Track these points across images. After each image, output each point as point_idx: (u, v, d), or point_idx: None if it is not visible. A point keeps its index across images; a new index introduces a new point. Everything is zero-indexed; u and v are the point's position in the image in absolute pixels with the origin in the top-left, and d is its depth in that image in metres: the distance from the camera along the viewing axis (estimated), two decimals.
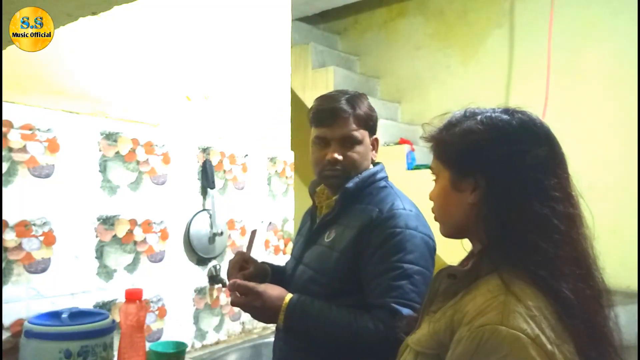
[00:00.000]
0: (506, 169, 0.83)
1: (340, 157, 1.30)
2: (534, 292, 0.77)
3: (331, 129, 1.30)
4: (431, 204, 0.96)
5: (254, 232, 1.40)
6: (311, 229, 1.40)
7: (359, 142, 1.31)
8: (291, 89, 2.44)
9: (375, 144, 1.37)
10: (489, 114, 0.89)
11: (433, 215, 0.96)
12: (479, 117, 0.88)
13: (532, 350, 0.70)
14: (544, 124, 0.88)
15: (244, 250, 1.41)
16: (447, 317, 0.81)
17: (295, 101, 2.87)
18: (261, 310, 1.20)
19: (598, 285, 0.82)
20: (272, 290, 1.22)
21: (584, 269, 0.81)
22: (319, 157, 1.33)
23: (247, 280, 1.24)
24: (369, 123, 1.34)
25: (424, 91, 3.96)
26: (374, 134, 1.37)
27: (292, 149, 2.35)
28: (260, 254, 2.14)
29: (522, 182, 0.82)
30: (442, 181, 0.91)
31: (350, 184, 1.29)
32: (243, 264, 1.38)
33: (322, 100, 1.36)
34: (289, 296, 1.21)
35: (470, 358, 0.72)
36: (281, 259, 2.22)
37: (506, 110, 0.89)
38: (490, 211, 0.83)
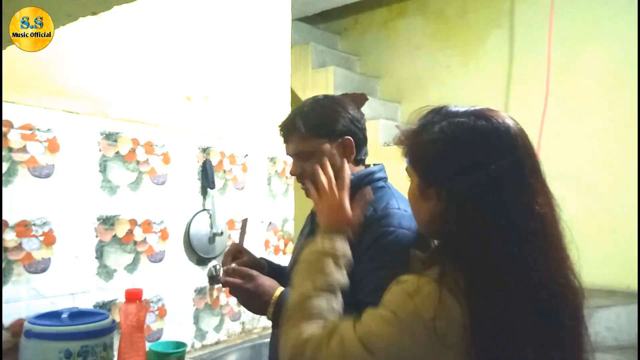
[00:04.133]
0: (464, 182, 0.82)
1: (297, 172, 1.33)
2: (458, 302, 0.78)
3: (286, 146, 1.36)
4: None
5: (244, 222, 1.41)
6: (312, 229, 1.40)
7: (311, 154, 1.30)
8: (291, 89, 2.44)
9: (347, 145, 1.32)
10: (454, 121, 0.87)
11: None
12: (444, 124, 0.88)
13: (416, 326, 0.77)
14: (510, 132, 0.84)
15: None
16: None
17: (295, 101, 2.86)
18: (252, 295, 1.20)
19: (544, 310, 0.79)
20: (266, 279, 1.22)
21: (529, 288, 0.78)
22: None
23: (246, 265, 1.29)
24: (324, 131, 1.31)
25: (424, 91, 3.96)
26: (343, 136, 1.32)
27: None
28: (259, 253, 2.14)
29: (478, 196, 0.81)
30: (412, 185, 0.94)
31: None
32: (236, 254, 1.39)
33: (284, 119, 1.39)
34: (280, 289, 1.21)
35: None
36: (281, 259, 2.22)
37: (475, 115, 0.87)
38: (446, 222, 0.84)
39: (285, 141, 1.36)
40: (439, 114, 0.91)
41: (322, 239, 1.04)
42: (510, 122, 0.86)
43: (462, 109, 0.90)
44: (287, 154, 1.38)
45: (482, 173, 0.82)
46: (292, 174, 1.36)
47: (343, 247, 1.03)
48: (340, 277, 0.99)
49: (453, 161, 0.85)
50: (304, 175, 1.33)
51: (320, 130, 1.31)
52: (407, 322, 0.79)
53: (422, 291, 0.79)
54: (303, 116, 1.31)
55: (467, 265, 0.80)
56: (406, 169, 0.96)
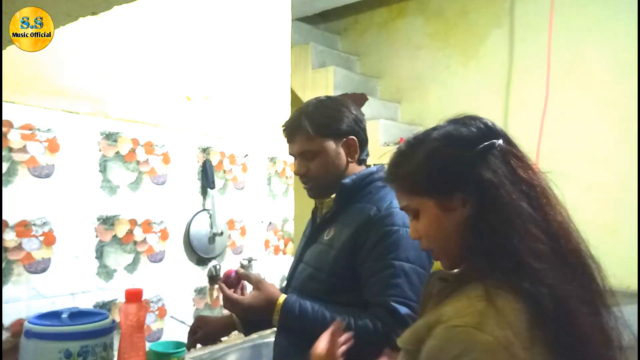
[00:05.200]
0: (483, 169, 0.83)
1: (302, 172, 1.35)
2: (515, 304, 0.76)
3: (291, 146, 1.37)
4: None
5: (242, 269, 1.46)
6: (313, 229, 1.41)
7: (317, 153, 1.32)
8: (291, 89, 2.44)
9: (351, 145, 1.34)
10: (437, 131, 0.89)
11: (427, 250, 0.94)
12: (431, 137, 0.89)
13: (503, 355, 0.71)
14: (481, 119, 0.89)
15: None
16: (428, 316, 0.82)
17: (295, 101, 2.87)
18: (253, 312, 1.25)
19: (592, 287, 0.81)
20: (259, 296, 1.25)
21: (575, 271, 0.80)
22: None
23: (202, 339, 1.46)
24: (330, 131, 1.32)
25: (424, 91, 3.96)
26: (347, 136, 1.34)
27: None
28: (260, 254, 2.14)
29: (501, 177, 0.82)
30: (428, 211, 0.88)
31: (347, 180, 1.31)
32: (196, 328, 1.49)
33: (290, 116, 1.40)
34: (282, 297, 1.22)
35: (439, 353, 0.74)
36: (281, 259, 2.23)
37: (451, 121, 0.90)
38: (483, 219, 0.82)
39: (290, 141, 1.37)
40: (415, 138, 0.92)
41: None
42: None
43: (429, 129, 0.92)
44: (291, 154, 1.38)
45: (494, 153, 0.84)
46: (296, 173, 1.37)
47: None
48: None
49: (464, 158, 0.84)
50: (309, 174, 1.34)
51: (326, 130, 1.32)
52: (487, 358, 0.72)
53: (486, 318, 0.74)
54: (308, 116, 1.32)
55: (508, 264, 0.78)
56: (406, 207, 0.92)
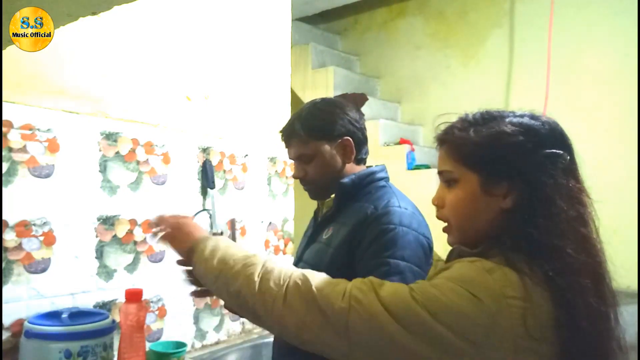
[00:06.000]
0: (543, 173, 0.82)
1: (300, 175, 1.37)
2: (542, 296, 0.76)
3: (289, 150, 1.39)
4: (430, 204, 0.95)
5: (232, 222, 1.43)
6: (314, 228, 1.41)
7: (312, 156, 1.34)
8: (291, 89, 2.44)
9: (347, 145, 1.34)
10: (517, 118, 0.87)
11: (442, 220, 0.92)
12: (507, 120, 0.86)
13: (497, 299, 0.74)
14: (564, 129, 0.88)
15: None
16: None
17: (295, 101, 2.87)
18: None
19: (608, 299, 0.82)
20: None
21: (600, 282, 0.81)
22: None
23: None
24: (323, 133, 1.33)
25: (424, 91, 3.96)
26: (342, 137, 1.34)
27: None
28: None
29: (557, 188, 0.81)
30: (467, 185, 0.86)
31: (346, 180, 1.31)
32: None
33: (284, 124, 1.41)
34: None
35: (449, 275, 0.79)
36: (281, 259, 2.22)
37: (530, 115, 0.89)
38: (526, 216, 0.81)
39: (287, 146, 1.40)
40: (488, 112, 0.90)
41: (200, 253, 0.98)
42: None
43: (507, 111, 0.90)
44: (290, 158, 1.41)
45: (557, 164, 0.83)
46: (294, 177, 1.40)
47: (211, 242, 0.98)
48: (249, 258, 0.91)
49: (531, 153, 0.83)
50: (307, 177, 1.36)
51: (318, 133, 1.34)
52: (484, 297, 0.74)
53: (497, 270, 0.77)
54: (301, 120, 1.35)
55: (546, 256, 0.78)
56: (445, 170, 0.90)
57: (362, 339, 0.77)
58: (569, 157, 0.84)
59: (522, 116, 0.88)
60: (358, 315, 0.77)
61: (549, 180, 0.81)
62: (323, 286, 0.83)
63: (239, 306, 0.91)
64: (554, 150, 0.83)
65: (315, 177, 1.35)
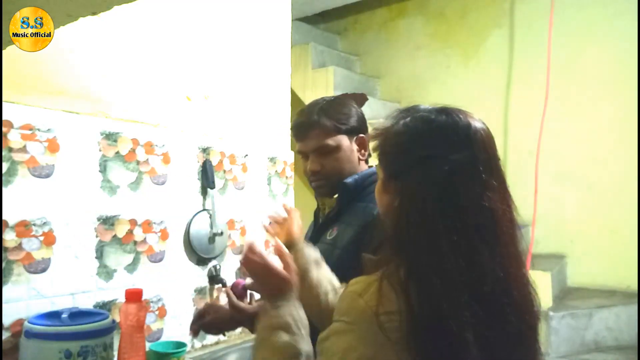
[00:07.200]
0: (418, 174, 0.81)
1: (317, 168, 1.33)
2: (395, 293, 0.77)
3: (305, 142, 1.34)
4: None
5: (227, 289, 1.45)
6: (315, 229, 1.41)
7: (334, 149, 1.32)
8: (291, 89, 2.44)
9: (363, 143, 1.36)
10: (415, 116, 0.87)
11: None
12: (408, 118, 0.87)
13: (371, 321, 0.76)
14: (469, 127, 0.84)
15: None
16: None
17: (295, 101, 2.87)
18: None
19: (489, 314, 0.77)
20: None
21: (471, 279, 0.77)
22: (304, 170, 1.38)
23: (207, 325, 1.41)
24: (346, 126, 1.33)
25: (424, 91, 3.96)
26: (358, 133, 1.35)
27: (292, 149, 2.35)
28: None
29: (430, 187, 0.80)
30: (379, 181, 0.92)
31: (349, 180, 1.31)
32: (205, 313, 1.43)
33: (298, 114, 1.39)
34: None
35: (336, 310, 0.83)
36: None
37: (437, 111, 0.87)
38: (398, 215, 0.82)
39: (303, 138, 1.35)
40: (406, 111, 0.90)
41: (270, 310, 0.98)
42: (474, 121, 0.86)
43: (428, 107, 0.89)
44: (303, 151, 1.36)
45: (436, 165, 0.81)
46: (311, 170, 1.35)
47: (291, 311, 0.97)
48: (296, 342, 0.92)
49: (410, 153, 0.84)
50: (322, 171, 1.33)
51: (342, 125, 1.33)
52: (358, 322, 0.77)
53: (370, 289, 0.78)
54: (324, 112, 1.32)
55: (408, 255, 0.79)
56: (375, 166, 0.97)
57: None
58: (462, 159, 0.81)
59: (424, 112, 0.87)
60: None
61: (421, 182, 0.81)
62: None
63: None
64: (434, 152, 0.81)
65: (331, 172, 1.33)
